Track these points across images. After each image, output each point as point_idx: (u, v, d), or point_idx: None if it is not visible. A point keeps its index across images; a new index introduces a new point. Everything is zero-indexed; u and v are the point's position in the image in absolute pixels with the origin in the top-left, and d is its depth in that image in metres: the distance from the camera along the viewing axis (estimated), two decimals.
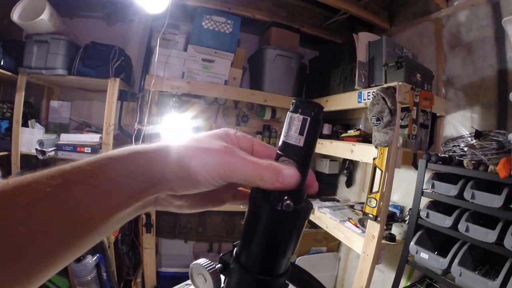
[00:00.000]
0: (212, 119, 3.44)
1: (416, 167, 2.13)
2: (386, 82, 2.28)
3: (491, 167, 1.67)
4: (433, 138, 2.50)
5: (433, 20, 2.67)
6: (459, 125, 2.37)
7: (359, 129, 2.73)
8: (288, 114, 0.39)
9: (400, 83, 2.10)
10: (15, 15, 2.39)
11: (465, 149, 1.87)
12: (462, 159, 1.87)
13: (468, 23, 2.39)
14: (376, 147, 2.12)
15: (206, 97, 3.26)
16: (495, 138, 1.80)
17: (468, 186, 1.76)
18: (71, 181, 0.30)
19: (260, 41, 3.57)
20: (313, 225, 3.00)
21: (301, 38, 3.32)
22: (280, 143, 0.39)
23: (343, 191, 3.53)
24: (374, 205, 2.08)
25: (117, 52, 2.73)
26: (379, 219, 2.08)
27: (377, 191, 2.08)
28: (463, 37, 2.42)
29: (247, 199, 0.43)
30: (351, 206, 2.96)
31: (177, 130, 2.97)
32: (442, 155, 2.03)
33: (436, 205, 2.02)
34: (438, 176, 2.02)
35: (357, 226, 2.41)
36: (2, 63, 2.44)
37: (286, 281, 0.45)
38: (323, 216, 2.74)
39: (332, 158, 3.38)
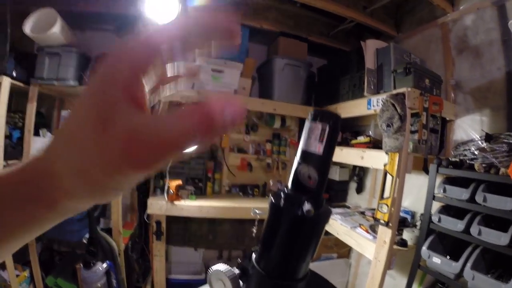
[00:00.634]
0: None
1: (427, 172, 2.12)
2: (395, 89, 2.28)
3: (502, 170, 1.67)
4: (443, 142, 2.49)
5: (439, 25, 2.67)
6: (469, 128, 2.36)
7: (369, 136, 2.72)
8: (307, 123, 0.40)
9: (409, 89, 2.10)
10: (27, 28, 2.44)
11: (476, 152, 1.87)
12: (473, 162, 1.86)
13: (474, 27, 2.39)
14: (386, 153, 2.12)
15: None
16: (505, 140, 1.80)
17: (480, 189, 1.75)
18: None
19: (269, 51, 3.59)
20: (324, 232, 2.98)
21: (309, 47, 3.34)
22: (299, 152, 0.41)
23: (353, 198, 3.51)
24: (386, 211, 2.08)
25: None
26: (390, 224, 2.07)
27: (388, 197, 2.07)
28: (470, 41, 2.42)
29: None
30: (362, 213, 2.95)
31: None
32: (453, 159, 2.02)
33: (448, 209, 2.01)
34: (449, 180, 2.01)
35: (368, 232, 2.40)
36: (14, 74, 2.48)
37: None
38: (334, 222, 2.73)
39: (342, 165, 3.38)
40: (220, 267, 0.48)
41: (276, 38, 3.25)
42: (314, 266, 2.23)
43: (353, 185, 3.49)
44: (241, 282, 0.47)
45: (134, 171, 0.26)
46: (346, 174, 3.48)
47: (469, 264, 1.72)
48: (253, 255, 0.46)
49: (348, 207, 3.23)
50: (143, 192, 3.21)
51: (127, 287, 2.91)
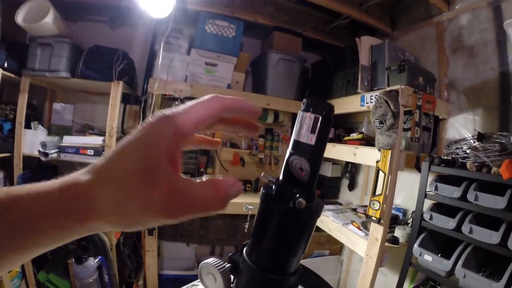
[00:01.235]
0: None
1: (419, 169, 2.13)
2: (388, 86, 2.29)
3: (494, 169, 1.68)
4: (435, 141, 2.50)
5: (435, 24, 2.67)
6: (462, 127, 2.38)
7: (361, 133, 2.73)
8: (300, 113, 0.39)
9: (402, 86, 2.10)
10: (19, 18, 2.40)
11: (468, 151, 1.87)
12: (465, 161, 1.87)
13: (469, 27, 2.40)
14: (379, 150, 2.13)
15: None
16: (497, 140, 1.81)
17: (472, 188, 1.76)
18: None
19: (263, 45, 3.58)
20: (316, 228, 2.96)
21: (303, 42, 3.34)
22: (291, 141, 0.40)
23: (345, 194, 3.52)
24: (378, 207, 2.08)
25: (120, 56, 2.73)
26: (382, 221, 2.08)
27: (380, 194, 2.08)
28: (465, 41, 2.42)
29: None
30: (354, 209, 2.95)
31: None
32: (445, 158, 2.03)
33: (439, 207, 2.02)
34: (441, 179, 2.02)
35: (360, 229, 2.41)
36: (5, 65, 2.44)
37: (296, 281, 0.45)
38: (325, 219, 2.74)
39: (334, 162, 3.38)
40: (210, 260, 0.47)
41: (271, 33, 3.24)
42: (306, 262, 2.23)
43: (345, 182, 3.50)
44: (232, 276, 0.46)
45: (165, 220, 0.32)
46: (339, 171, 3.48)
47: (460, 262, 1.73)
48: (245, 249, 0.45)
49: (340, 204, 3.23)
50: None
51: (119, 283, 2.90)
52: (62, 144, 2.71)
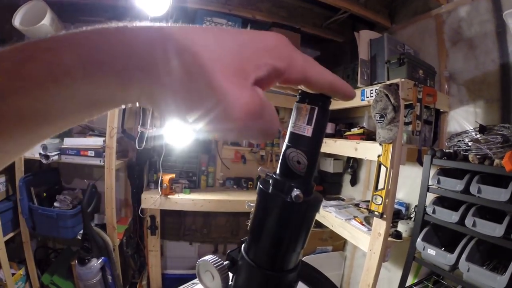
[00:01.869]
0: None
1: (421, 163, 2.12)
2: (388, 79, 2.28)
3: (496, 161, 1.67)
4: (437, 134, 2.49)
5: (433, 16, 2.66)
6: (463, 120, 2.36)
7: (362, 127, 2.72)
8: (295, 104, 0.38)
9: (402, 79, 2.09)
10: (17, 21, 2.39)
11: (470, 144, 1.86)
12: (467, 154, 1.86)
13: (469, 18, 2.38)
14: (380, 144, 2.12)
15: None
16: (499, 132, 1.79)
17: (474, 181, 1.75)
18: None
19: None
20: (319, 224, 2.99)
21: (302, 38, 3.32)
22: (287, 134, 0.39)
23: (348, 190, 3.51)
24: (380, 202, 2.07)
25: None
26: (385, 216, 2.07)
27: (383, 188, 2.07)
28: (464, 33, 2.41)
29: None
30: (356, 205, 2.95)
31: (180, 133, 2.97)
32: (447, 151, 2.02)
33: (442, 201, 2.01)
34: (444, 172, 2.01)
35: (362, 224, 2.40)
36: None
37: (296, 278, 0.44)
38: (328, 215, 2.73)
39: (336, 157, 3.37)
40: (208, 257, 0.46)
41: (269, 29, 3.22)
42: (309, 259, 2.24)
43: (347, 177, 3.49)
44: (230, 274, 0.45)
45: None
46: (340, 166, 3.48)
47: (464, 256, 1.72)
48: (243, 246, 0.45)
49: (343, 199, 3.23)
50: (137, 186, 3.19)
51: (122, 283, 2.90)
52: (62, 146, 2.72)
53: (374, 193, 2.13)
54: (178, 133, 2.96)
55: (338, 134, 2.97)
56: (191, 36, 0.27)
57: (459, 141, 2.00)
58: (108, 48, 0.25)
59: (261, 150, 3.63)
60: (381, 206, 2.06)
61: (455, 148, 1.99)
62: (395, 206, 2.44)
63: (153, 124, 2.94)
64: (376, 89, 2.19)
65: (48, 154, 2.56)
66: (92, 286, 2.60)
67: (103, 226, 2.79)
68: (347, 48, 2.83)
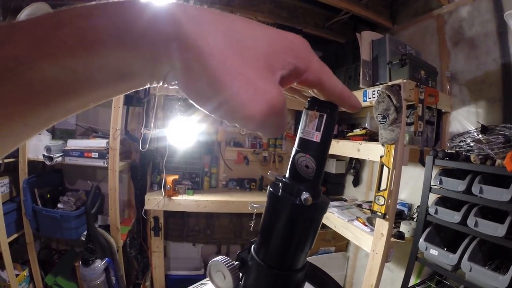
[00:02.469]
0: (218, 123, 3.45)
1: (423, 164, 2.13)
2: (390, 80, 2.28)
3: (498, 161, 1.67)
4: (439, 134, 2.50)
5: (435, 17, 2.67)
6: (465, 120, 2.37)
7: (365, 128, 2.73)
8: (304, 111, 0.40)
9: (404, 80, 2.10)
10: None
11: (472, 144, 1.87)
12: (469, 154, 1.87)
13: (470, 19, 2.39)
14: (382, 145, 2.12)
15: None
16: (501, 132, 1.80)
17: (476, 181, 1.76)
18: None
19: None
20: (321, 225, 2.97)
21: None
22: (297, 139, 0.40)
23: (350, 191, 3.52)
24: (382, 203, 2.08)
25: None
26: (387, 216, 2.08)
27: (385, 189, 2.08)
28: (466, 33, 2.42)
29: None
30: (359, 205, 2.96)
31: (183, 134, 2.98)
32: (449, 151, 2.03)
33: (444, 201, 2.02)
34: (446, 172, 2.02)
35: (365, 225, 2.41)
36: None
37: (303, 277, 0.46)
38: (331, 215, 2.74)
39: (338, 158, 3.38)
40: (219, 258, 0.47)
41: None
42: (312, 259, 2.25)
43: (349, 178, 3.50)
44: (240, 274, 0.47)
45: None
46: (343, 167, 3.49)
47: (466, 256, 1.73)
48: (252, 246, 0.46)
49: (345, 200, 3.24)
50: (140, 188, 3.21)
51: (126, 284, 2.91)
52: (66, 148, 2.73)
53: (377, 194, 2.13)
54: (181, 134, 2.98)
55: (341, 135, 2.98)
56: (205, 28, 0.27)
57: (461, 141, 2.01)
58: (140, 20, 0.25)
59: (263, 151, 3.64)
60: (384, 206, 2.07)
61: (457, 149, 2.00)
62: (398, 206, 2.45)
63: (156, 126, 2.95)
64: (378, 90, 2.19)
65: (51, 155, 2.58)
66: (96, 287, 2.61)
67: (106, 227, 2.80)
68: (349, 49, 2.83)
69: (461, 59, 2.45)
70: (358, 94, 2.52)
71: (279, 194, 0.40)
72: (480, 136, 1.89)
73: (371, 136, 2.56)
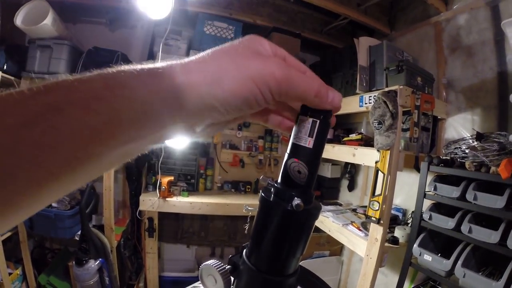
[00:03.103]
0: None
1: (418, 169, 2.13)
2: (387, 86, 2.29)
3: (493, 169, 1.68)
4: (434, 140, 2.51)
5: (433, 24, 2.68)
6: (460, 127, 2.38)
7: (360, 133, 2.73)
8: (298, 116, 0.40)
9: (401, 86, 2.11)
10: (19, 20, 2.40)
11: (467, 151, 1.88)
12: (464, 161, 1.87)
13: (467, 27, 2.40)
14: (378, 150, 2.13)
15: None
16: (496, 139, 1.81)
17: (470, 188, 1.77)
18: (70, 103, 0.25)
19: None
20: (316, 229, 3.00)
21: (302, 43, 3.34)
22: (289, 145, 0.40)
23: (345, 195, 3.53)
24: (377, 208, 2.09)
25: (119, 57, 2.74)
26: (382, 221, 2.08)
27: (380, 194, 2.08)
28: (463, 41, 2.43)
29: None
30: (354, 210, 2.96)
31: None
32: (444, 158, 2.03)
33: (439, 207, 2.03)
34: (440, 178, 2.02)
35: (360, 230, 2.41)
36: (5, 67, 2.44)
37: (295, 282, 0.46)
38: (325, 220, 2.74)
39: (334, 162, 3.38)
40: (211, 262, 0.47)
41: (269, 34, 3.24)
42: (306, 263, 2.25)
43: (344, 183, 3.50)
44: (232, 278, 0.47)
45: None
46: (338, 172, 3.49)
47: (460, 262, 1.73)
48: (244, 251, 0.46)
49: (340, 205, 3.24)
50: (135, 188, 3.20)
51: (119, 285, 2.90)
52: None
53: (372, 199, 2.14)
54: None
55: (336, 140, 2.99)
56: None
57: (456, 148, 2.01)
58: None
59: (259, 154, 3.64)
60: (378, 211, 2.08)
61: (452, 155, 2.00)
62: (392, 212, 2.45)
63: None
64: (375, 96, 2.20)
65: None
66: (89, 287, 2.59)
67: (100, 227, 2.79)
68: (347, 54, 2.84)
69: (458, 67, 2.46)
70: (355, 100, 2.53)
71: (271, 199, 0.40)
72: (475, 143, 1.90)
73: (367, 141, 2.56)
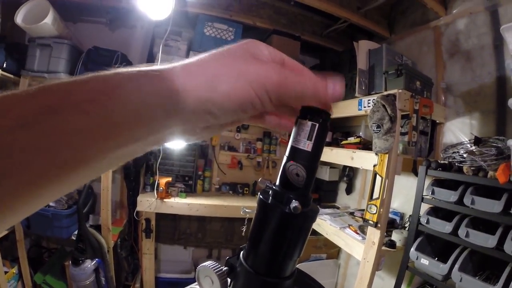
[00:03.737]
0: None
1: (416, 173, 2.14)
2: (386, 90, 2.30)
3: (490, 173, 1.69)
4: (432, 145, 2.51)
5: (432, 28, 2.69)
6: (459, 132, 2.39)
7: (359, 137, 2.73)
8: (297, 120, 0.40)
9: (400, 90, 2.11)
10: (19, 18, 2.40)
11: (465, 155, 1.88)
12: (461, 165, 1.88)
13: (466, 31, 2.41)
14: (376, 154, 2.13)
15: None
16: (494, 144, 1.82)
17: (468, 192, 1.77)
18: (65, 105, 0.25)
19: None
20: (313, 232, 2.99)
21: (301, 46, 3.34)
22: (288, 148, 0.40)
23: (343, 198, 3.53)
24: (375, 211, 2.09)
25: (119, 58, 2.74)
26: (379, 225, 2.08)
27: (378, 198, 2.08)
28: (462, 45, 2.44)
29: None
30: (351, 213, 2.96)
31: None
32: (442, 162, 2.04)
33: (436, 211, 2.03)
34: (438, 183, 2.03)
35: (357, 233, 2.42)
36: (4, 65, 2.44)
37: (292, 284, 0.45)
38: (323, 223, 2.74)
39: (332, 165, 3.39)
40: (208, 263, 0.47)
41: (269, 36, 3.24)
42: (303, 266, 2.25)
43: (342, 186, 3.51)
44: (228, 279, 0.46)
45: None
46: (336, 175, 3.49)
47: (457, 266, 1.73)
48: (241, 253, 0.46)
49: (338, 208, 3.24)
50: (133, 189, 3.19)
51: (116, 285, 2.89)
52: None
53: (369, 202, 2.14)
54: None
55: (335, 143, 2.99)
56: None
57: (454, 152, 2.02)
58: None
59: (257, 156, 3.64)
60: (376, 215, 2.08)
61: (450, 160, 2.01)
62: (390, 215, 2.45)
63: None
64: (374, 99, 2.20)
65: None
66: (85, 287, 2.59)
67: (97, 227, 2.79)
68: (346, 58, 2.85)
69: (456, 71, 2.47)
70: (354, 103, 2.53)
71: (269, 201, 0.40)
72: (473, 147, 1.90)
73: (365, 145, 2.57)
